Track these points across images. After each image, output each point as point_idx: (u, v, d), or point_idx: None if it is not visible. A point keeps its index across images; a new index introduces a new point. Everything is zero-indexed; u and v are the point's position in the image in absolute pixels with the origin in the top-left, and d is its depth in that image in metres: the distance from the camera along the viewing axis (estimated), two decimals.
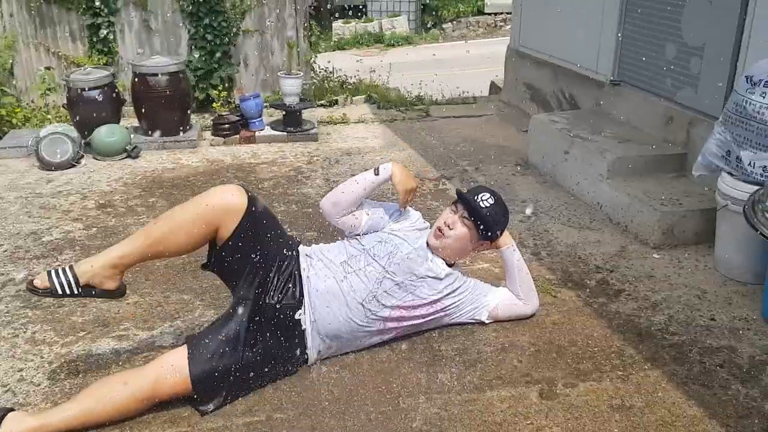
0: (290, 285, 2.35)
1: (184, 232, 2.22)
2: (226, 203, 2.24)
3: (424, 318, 2.51)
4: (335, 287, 2.37)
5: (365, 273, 2.41)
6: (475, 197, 2.55)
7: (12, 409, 2.08)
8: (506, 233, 2.64)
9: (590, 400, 2.24)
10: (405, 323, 2.48)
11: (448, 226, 2.53)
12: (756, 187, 2.72)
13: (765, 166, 2.81)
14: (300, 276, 2.38)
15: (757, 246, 2.83)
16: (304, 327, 2.34)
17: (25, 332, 2.59)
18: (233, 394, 2.20)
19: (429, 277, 2.48)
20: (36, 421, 2.01)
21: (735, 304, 2.82)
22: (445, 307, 2.54)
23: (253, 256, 2.29)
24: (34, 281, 2.20)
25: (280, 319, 2.30)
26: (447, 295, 2.52)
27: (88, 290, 2.23)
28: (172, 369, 2.10)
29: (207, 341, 2.18)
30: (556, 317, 2.71)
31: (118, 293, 2.31)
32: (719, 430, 2.10)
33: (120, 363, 2.41)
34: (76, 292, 2.20)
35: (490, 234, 2.55)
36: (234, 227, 2.23)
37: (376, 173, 2.57)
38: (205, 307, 2.77)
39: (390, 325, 2.45)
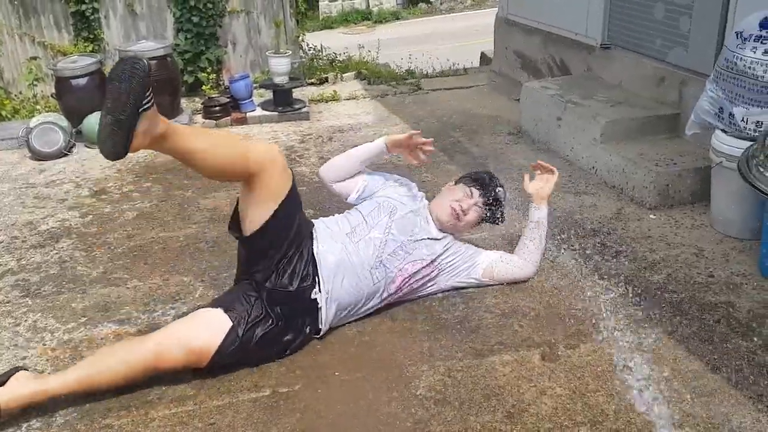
0: (307, 267, 2.35)
1: (229, 160, 2.19)
2: (272, 155, 2.26)
3: (423, 279, 2.54)
4: (345, 259, 2.39)
5: (370, 239, 2.45)
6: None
7: (23, 368, 2.11)
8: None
9: (592, 360, 2.25)
10: (406, 287, 2.51)
11: (464, 212, 2.60)
12: (750, 143, 2.72)
13: (758, 122, 2.81)
14: (313, 255, 2.38)
15: (752, 202, 2.84)
16: (320, 305, 2.35)
17: (26, 321, 2.60)
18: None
19: (427, 238, 2.53)
20: (39, 385, 2.03)
21: (732, 260, 2.83)
22: (441, 266, 2.58)
23: (283, 245, 2.31)
24: None
25: (297, 301, 2.31)
26: (442, 254, 2.57)
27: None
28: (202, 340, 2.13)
29: (238, 323, 2.19)
30: (556, 281, 2.72)
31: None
32: (721, 383, 2.12)
33: None
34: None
35: (495, 223, 2.73)
36: (273, 199, 2.26)
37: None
38: (205, 287, 2.78)
39: (393, 287, 2.47)
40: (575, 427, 1.96)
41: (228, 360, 2.18)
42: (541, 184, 2.76)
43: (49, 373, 2.23)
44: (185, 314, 2.56)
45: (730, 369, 2.18)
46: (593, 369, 2.21)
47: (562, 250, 2.96)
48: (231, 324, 2.17)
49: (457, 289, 2.66)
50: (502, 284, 2.67)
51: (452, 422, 2.00)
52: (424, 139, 2.67)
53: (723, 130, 2.96)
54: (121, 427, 2.02)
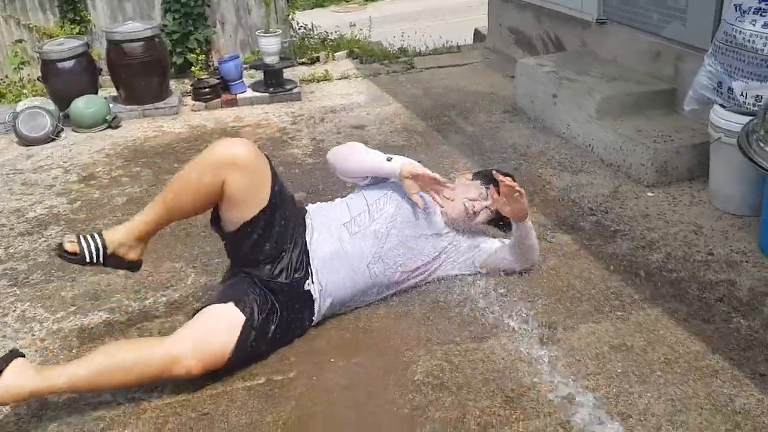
0: (300, 258, 2.26)
1: (191, 191, 2.10)
2: (232, 155, 2.08)
3: (423, 274, 2.47)
4: (340, 251, 2.29)
5: (370, 232, 2.34)
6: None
7: (20, 353, 1.98)
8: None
9: (591, 342, 2.22)
10: (405, 284, 2.45)
11: (475, 213, 2.47)
12: (749, 118, 2.67)
13: (758, 96, 2.76)
14: (305, 244, 2.29)
15: (751, 177, 2.80)
16: (315, 297, 2.28)
17: (14, 311, 2.54)
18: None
19: (433, 234, 2.44)
20: (42, 381, 1.89)
21: (732, 238, 2.80)
22: (442, 261, 2.50)
23: (271, 240, 2.21)
24: (65, 245, 2.11)
25: (291, 294, 2.24)
26: (445, 249, 2.48)
27: (112, 260, 2.17)
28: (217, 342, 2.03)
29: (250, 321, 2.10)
30: (553, 262, 2.68)
31: (137, 266, 2.26)
32: (723, 364, 2.09)
33: (114, 335, 2.37)
34: (102, 260, 2.14)
35: (502, 230, 2.58)
36: (251, 197, 2.14)
37: (389, 160, 2.41)
38: (197, 274, 2.73)
39: (392, 281, 2.41)
40: (576, 410, 1.93)
41: (246, 356, 2.10)
42: (517, 206, 2.36)
43: (45, 364, 2.17)
44: (176, 302, 2.55)
45: (732, 349, 2.15)
46: (592, 351, 2.17)
47: (560, 230, 2.91)
48: (244, 318, 2.08)
49: None
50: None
51: (450, 408, 1.97)
52: (442, 182, 2.39)
53: (722, 105, 2.91)
54: (113, 418, 1.98)
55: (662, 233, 2.86)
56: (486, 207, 2.49)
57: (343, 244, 2.31)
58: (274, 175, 2.21)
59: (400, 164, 2.37)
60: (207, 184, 2.09)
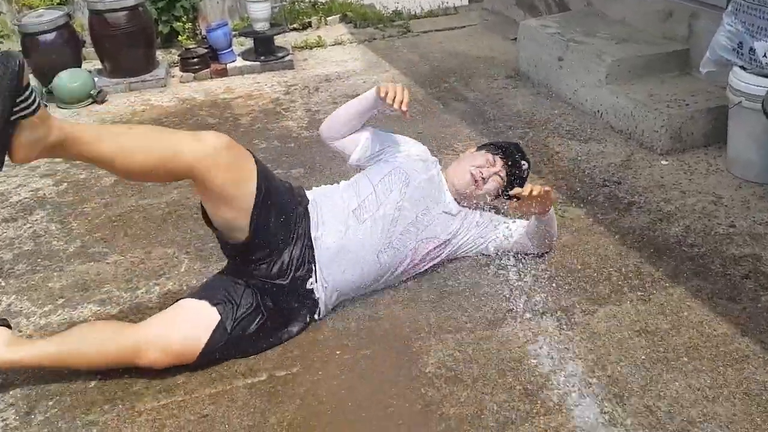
0: (302, 253, 2.10)
1: (152, 166, 1.85)
2: (213, 151, 1.87)
3: (434, 258, 2.33)
4: (348, 244, 2.13)
5: (380, 216, 2.19)
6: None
7: (5, 323, 2.02)
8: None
9: (612, 326, 2.09)
10: (413, 270, 2.31)
11: (484, 179, 2.36)
12: None
13: None
14: (310, 238, 2.12)
15: None
16: (317, 296, 2.14)
17: None
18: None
19: (442, 212, 2.30)
20: (11, 354, 1.89)
21: (754, 208, 2.66)
22: (454, 245, 2.36)
23: (266, 239, 2.05)
24: None
25: (292, 293, 2.10)
26: (458, 232, 2.34)
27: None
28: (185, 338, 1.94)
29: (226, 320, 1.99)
30: (566, 238, 2.54)
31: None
32: (753, 348, 1.97)
33: None
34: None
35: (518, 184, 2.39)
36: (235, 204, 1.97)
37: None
38: (191, 260, 2.58)
39: (403, 270, 2.27)
40: (600, 403, 1.81)
41: (218, 355, 2.00)
42: (547, 205, 2.25)
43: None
44: (170, 291, 2.41)
45: (762, 331, 2.02)
46: (614, 336, 2.05)
47: (572, 204, 2.77)
48: (218, 318, 1.96)
49: None
50: None
51: (466, 403, 1.84)
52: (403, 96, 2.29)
53: (742, 67, 2.74)
54: (106, 423, 1.86)
55: (679, 204, 2.72)
56: (496, 173, 2.38)
57: (352, 235, 2.15)
58: (260, 170, 2.01)
59: (374, 88, 2.34)
60: (170, 169, 1.87)
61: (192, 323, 1.96)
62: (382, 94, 2.28)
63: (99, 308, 2.35)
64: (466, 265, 2.42)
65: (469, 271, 2.38)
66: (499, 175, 2.38)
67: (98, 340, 1.92)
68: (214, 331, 1.96)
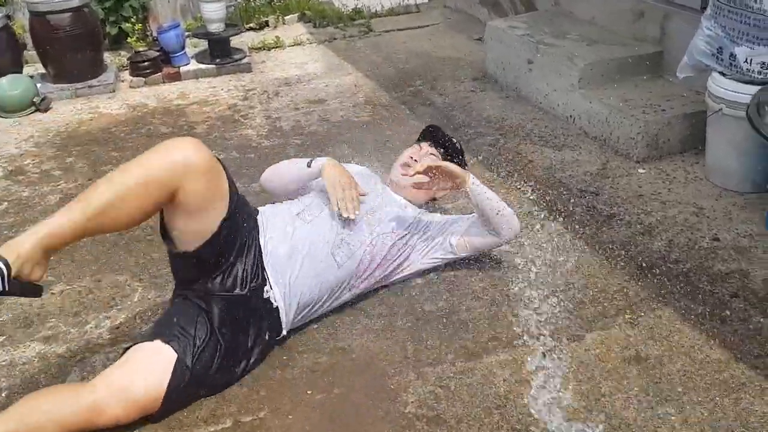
0: (255, 263, 1.98)
1: (133, 198, 1.77)
2: (185, 158, 1.79)
3: (395, 259, 2.22)
4: (298, 244, 2.04)
5: (326, 215, 2.14)
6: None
7: None
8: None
9: (600, 353, 1.97)
10: (378, 271, 2.19)
11: (415, 160, 2.40)
12: (756, 87, 2.42)
13: (763, 63, 2.50)
14: (258, 246, 2.01)
15: (756, 152, 2.57)
16: (275, 305, 1.99)
17: None
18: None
19: (392, 206, 2.28)
20: None
21: (736, 219, 2.57)
22: (413, 243, 2.26)
23: (227, 254, 1.94)
24: None
25: (250, 305, 1.95)
26: (412, 226, 2.26)
27: (15, 284, 1.66)
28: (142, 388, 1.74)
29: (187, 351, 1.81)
30: (547, 257, 2.39)
31: (41, 290, 1.80)
32: (748, 374, 1.86)
33: (51, 372, 2.02)
34: (7, 288, 1.63)
35: (457, 162, 2.38)
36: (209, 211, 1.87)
37: (309, 165, 2.27)
38: (144, 288, 2.38)
39: (363, 270, 2.15)
40: None
41: (184, 399, 1.82)
42: (448, 179, 2.25)
43: None
44: (123, 325, 2.21)
45: (756, 355, 1.92)
46: (603, 365, 1.93)
47: (549, 218, 2.64)
48: (176, 356, 1.78)
49: (436, 271, 2.33)
50: (485, 260, 2.37)
51: None
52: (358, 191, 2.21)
53: (722, 73, 2.65)
54: None
55: (660, 216, 2.62)
56: (428, 154, 2.44)
57: (299, 234, 2.06)
58: (230, 178, 1.95)
59: (319, 167, 2.23)
60: (154, 194, 1.78)
61: (148, 368, 1.77)
62: (330, 190, 2.15)
63: (44, 347, 2.13)
64: (442, 286, 2.28)
65: (445, 294, 2.24)
66: (433, 155, 2.44)
67: (51, 409, 1.69)
68: (174, 369, 1.78)
